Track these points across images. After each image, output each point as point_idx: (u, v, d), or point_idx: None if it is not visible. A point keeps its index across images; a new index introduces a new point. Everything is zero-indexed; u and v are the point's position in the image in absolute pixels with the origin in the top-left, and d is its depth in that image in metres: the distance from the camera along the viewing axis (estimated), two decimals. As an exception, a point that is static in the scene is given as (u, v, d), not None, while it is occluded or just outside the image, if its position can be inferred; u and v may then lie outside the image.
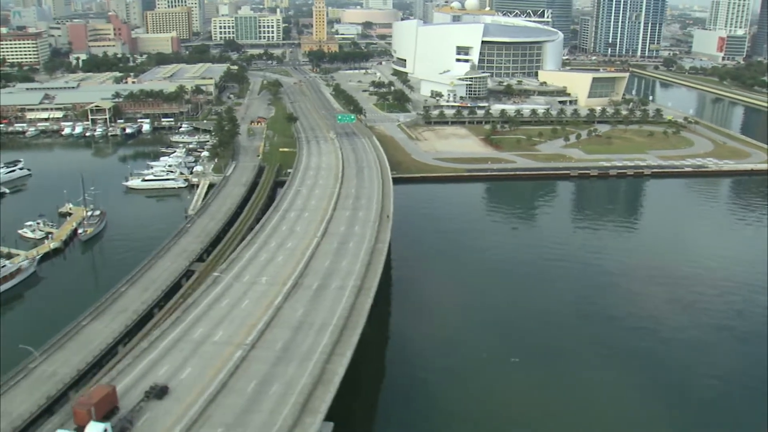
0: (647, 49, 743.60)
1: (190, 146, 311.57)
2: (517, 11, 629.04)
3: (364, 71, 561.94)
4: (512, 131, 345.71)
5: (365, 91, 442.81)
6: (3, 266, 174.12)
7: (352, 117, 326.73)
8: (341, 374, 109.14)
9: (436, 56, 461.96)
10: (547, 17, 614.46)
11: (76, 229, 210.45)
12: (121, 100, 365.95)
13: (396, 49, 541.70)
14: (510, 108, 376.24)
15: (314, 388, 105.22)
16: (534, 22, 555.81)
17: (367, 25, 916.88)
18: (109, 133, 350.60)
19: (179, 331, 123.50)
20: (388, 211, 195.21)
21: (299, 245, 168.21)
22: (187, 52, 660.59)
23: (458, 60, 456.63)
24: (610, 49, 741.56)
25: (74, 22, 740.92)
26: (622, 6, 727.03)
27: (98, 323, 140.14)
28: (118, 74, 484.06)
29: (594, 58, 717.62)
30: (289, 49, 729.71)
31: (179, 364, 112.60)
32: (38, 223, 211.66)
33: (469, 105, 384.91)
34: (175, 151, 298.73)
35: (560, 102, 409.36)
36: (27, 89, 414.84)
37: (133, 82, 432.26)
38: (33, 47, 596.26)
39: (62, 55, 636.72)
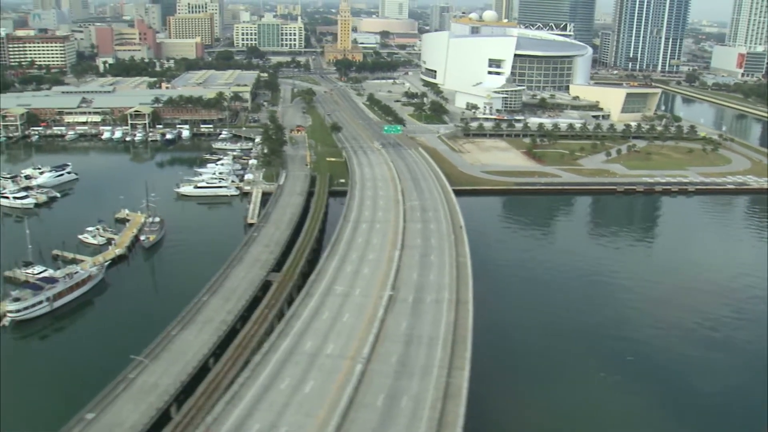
0: (668, 64, 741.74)
1: (234, 154, 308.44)
2: (539, 24, 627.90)
3: (392, 81, 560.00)
4: (551, 145, 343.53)
5: (398, 101, 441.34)
6: (75, 272, 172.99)
7: (399, 128, 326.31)
8: (466, 388, 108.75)
9: (467, 68, 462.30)
10: (570, 31, 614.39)
11: (137, 236, 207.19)
12: (160, 105, 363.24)
13: (425, 59, 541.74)
14: (547, 122, 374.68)
15: (444, 403, 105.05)
16: (558, 35, 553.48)
17: (384, 34, 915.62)
18: (149, 139, 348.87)
19: (289, 344, 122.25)
20: (460, 222, 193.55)
21: (381, 257, 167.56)
22: (211, 59, 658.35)
23: (490, 72, 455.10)
24: (630, 64, 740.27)
25: (100, 26, 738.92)
26: (643, 21, 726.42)
27: (187, 333, 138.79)
28: (150, 79, 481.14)
29: (615, 72, 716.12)
30: (312, 57, 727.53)
31: (299, 377, 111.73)
32: (98, 229, 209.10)
33: (506, 118, 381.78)
34: (221, 159, 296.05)
35: (593, 117, 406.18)
36: (63, 92, 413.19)
37: (167, 88, 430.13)
38: (60, 50, 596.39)
39: (87, 59, 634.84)
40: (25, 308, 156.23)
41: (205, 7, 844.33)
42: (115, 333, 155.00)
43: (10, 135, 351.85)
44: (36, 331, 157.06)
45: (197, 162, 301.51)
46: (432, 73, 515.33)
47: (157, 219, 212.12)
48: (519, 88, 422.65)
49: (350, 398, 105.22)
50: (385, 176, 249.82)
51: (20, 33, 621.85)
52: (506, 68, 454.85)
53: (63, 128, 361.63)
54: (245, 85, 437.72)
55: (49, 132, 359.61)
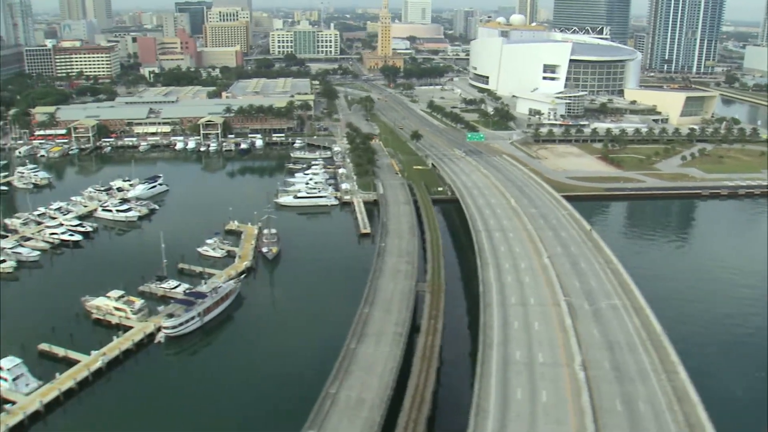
0: (702, 65, 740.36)
1: (316, 163, 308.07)
2: (575, 28, 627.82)
3: (440, 87, 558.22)
4: (622, 150, 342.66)
5: (454, 107, 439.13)
6: (219, 287, 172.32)
7: (482, 135, 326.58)
8: (694, 390, 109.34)
9: (521, 73, 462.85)
10: (606, 34, 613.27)
11: (256, 248, 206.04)
12: (232, 115, 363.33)
13: (476, 65, 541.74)
14: (612, 127, 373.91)
15: (680, 405, 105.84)
16: (596, 38, 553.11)
17: (411, 39, 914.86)
18: (224, 149, 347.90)
19: (498, 354, 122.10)
20: (588, 226, 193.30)
21: (533, 266, 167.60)
22: (250, 67, 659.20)
23: (545, 78, 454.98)
24: (665, 66, 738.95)
25: (140, 36, 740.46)
26: (678, 23, 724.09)
27: (365, 347, 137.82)
28: (205, 89, 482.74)
29: (651, 74, 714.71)
30: (349, 63, 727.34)
31: (529, 386, 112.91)
32: (215, 241, 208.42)
33: (571, 123, 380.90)
34: (306, 168, 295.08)
35: (653, 120, 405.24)
36: (127, 103, 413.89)
37: (227, 97, 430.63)
38: (106, 60, 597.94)
39: (128, 68, 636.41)
40: (181, 324, 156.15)
41: (236, 15, 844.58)
42: (263, 347, 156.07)
43: (83, 146, 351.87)
44: (188, 347, 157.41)
45: (284, 172, 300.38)
46: (483, 78, 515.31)
47: (274, 230, 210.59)
48: (581, 93, 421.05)
49: (591, 404, 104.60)
50: (485, 184, 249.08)
51: (66, 44, 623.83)
52: (561, 74, 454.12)
53: (134, 139, 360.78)
54: (309, 94, 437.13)
55: (120, 143, 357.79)
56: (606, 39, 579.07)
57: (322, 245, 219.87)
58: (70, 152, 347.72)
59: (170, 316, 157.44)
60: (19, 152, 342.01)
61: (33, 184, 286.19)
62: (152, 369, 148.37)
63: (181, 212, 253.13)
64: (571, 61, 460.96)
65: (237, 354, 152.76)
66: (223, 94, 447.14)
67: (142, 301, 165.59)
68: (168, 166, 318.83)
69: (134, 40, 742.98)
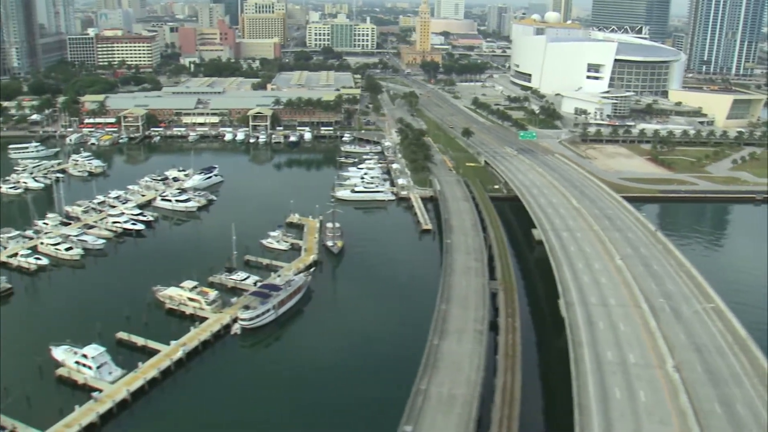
0: (742, 67, 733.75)
1: (367, 157, 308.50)
2: (614, 27, 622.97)
3: (480, 84, 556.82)
4: (670, 152, 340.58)
5: (498, 105, 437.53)
6: (292, 280, 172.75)
7: (533, 134, 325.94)
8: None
9: (564, 72, 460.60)
10: (645, 33, 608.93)
11: (320, 242, 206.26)
12: (280, 107, 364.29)
13: (518, 62, 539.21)
14: (658, 128, 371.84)
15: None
16: (635, 38, 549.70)
17: (445, 34, 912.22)
18: (273, 141, 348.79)
19: (590, 354, 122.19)
20: (652, 227, 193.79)
21: (606, 267, 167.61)
22: (288, 59, 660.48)
23: (588, 77, 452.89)
24: (704, 67, 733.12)
25: (181, 26, 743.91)
26: (719, 24, 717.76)
27: (448, 343, 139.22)
28: (247, 80, 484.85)
29: (689, 75, 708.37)
30: (386, 57, 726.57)
31: (625, 386, 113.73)
32: (279, 234, 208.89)
33: (617, 123, 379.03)
34: (362, 162, 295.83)
35: (699, 122, 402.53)
36: (174, 93, 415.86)
37: (272, 89, 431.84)
38: (147, 50, 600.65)
39: (167, 58, 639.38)
40: (257, 316, 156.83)
41: (272, 8, 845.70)
42: (337, 340, 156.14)
43: (132, 135, 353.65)
44: (263, 339, 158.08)
45: (336, 165, 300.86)
46: (525, 76, 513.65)
47: (338, 225, 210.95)
48: (628, 94, 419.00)
49: (691, 406, 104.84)
50: (543, 183, 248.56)
51: (108, 33, 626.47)
52: (605, 73, 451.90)
53: (182, 129, 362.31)
54: (355, 88, 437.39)
55: (168, 133, 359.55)
56: (645, 39, 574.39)
57: (383, 240, 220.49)
58: (120, 141, 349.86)
59: (246, 308, 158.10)
60: (70, 140, 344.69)
61: (88, 172, 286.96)
62: (230, 360, 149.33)
63: (237, 204, 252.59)
64: (615, 60, 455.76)
65: (311, 347, 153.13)
66: (268, 86, 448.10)
67: (216, 292, 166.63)
68: (217, 157, 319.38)
69: (172, 30, 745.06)
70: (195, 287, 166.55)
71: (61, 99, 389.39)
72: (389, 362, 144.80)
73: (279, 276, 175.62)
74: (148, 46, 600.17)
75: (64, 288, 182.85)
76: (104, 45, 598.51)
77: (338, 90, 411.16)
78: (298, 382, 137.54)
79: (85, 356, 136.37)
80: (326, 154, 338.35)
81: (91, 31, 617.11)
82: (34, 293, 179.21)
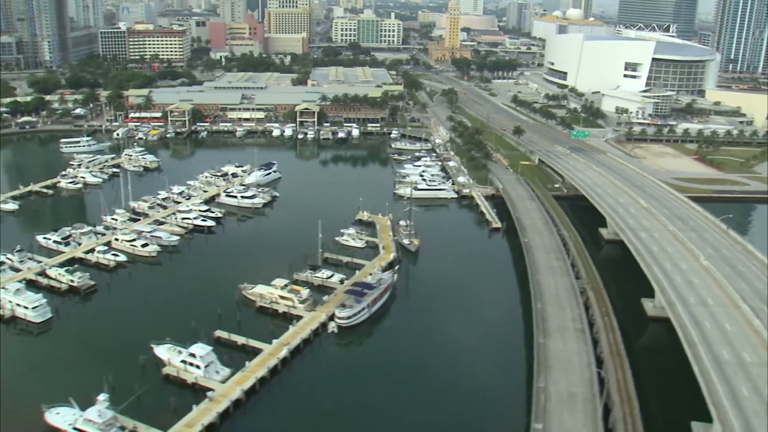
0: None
1: (418, 154, 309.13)
2: (641, 25, 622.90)
3: (513, 81, 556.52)
4: (715, 151, 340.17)
5: (536, 103, 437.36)
6: (382, 278, 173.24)
7: (586, 133, 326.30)
8: None
9: (601, 71, 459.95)
10: (672, 32, 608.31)
11: (396, 239, 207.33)
12: (328, 103, 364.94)
13: (553, 60, 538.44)
14: (701, 128, 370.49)
15: None
16: (664, 36, 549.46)
17: (466, 30, 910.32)
18: (321, 137, 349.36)
19: (706, 353, 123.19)
20: (724, 227, 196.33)
21: (693, 267, 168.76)
22: (316, 55, 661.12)
23: (626, 76, 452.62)
24: (731, 65, 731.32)
25: (213, 21, 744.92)
26: (746, 22, 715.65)
27: (553, 341, 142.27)
28: (285, 75, 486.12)
29: (717, 74, 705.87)
30: (412, 53, 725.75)
31: (751, 384, 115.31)
32: (354, 232, 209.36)
33: (659, 123, 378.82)
34: (416, 159, 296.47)
35: (739, 122, 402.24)
36: (216, 88, 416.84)
37: (312, 84, 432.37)
38: (179, 44, 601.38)
39: (196, 52, 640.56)
40: (354, 315, 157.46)
41: (296, 2, 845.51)
42: (430, 338, 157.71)
43: (179, 130, 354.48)
44: (358, 338, 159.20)
45: (390, 163, 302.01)
46: (560, 74, 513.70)
47: (411, 223, 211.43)
48: (669, 93, 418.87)
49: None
50: (605, 182, 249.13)
51: (140, 27, 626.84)
52: (643, 72, 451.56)
53: (229, 124, 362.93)
54: (399, 84, 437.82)
55: (215, 128, 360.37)
56: (673, 37, 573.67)
57: (454, 238, 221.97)
58: (167, 136, 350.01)
59: (342, 306, 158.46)
60: (117, 134, 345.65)
61: (143, 167, 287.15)
62: (329, 358, 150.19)
63: (299, 200, 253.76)
64: (653, 59, 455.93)
65: (405, 344, 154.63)
66: (308, 81, 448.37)
67: (308, 290, 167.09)
68: (266, 152, 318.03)
69: (197, 24, 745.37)
70: (286, 285, 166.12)
71: (104, 93, 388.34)
72: (485, 359, 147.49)
73: (371, 274, 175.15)
74: (179, 41, 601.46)
75: (146, 285, 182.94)
76: (136, 39, 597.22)
77: (380, 86, 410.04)
78: (400, 378, 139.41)
79: (192, 355, 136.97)
80: (374, 150, 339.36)
81: (122, 25, 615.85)
82: (118, 290, 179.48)
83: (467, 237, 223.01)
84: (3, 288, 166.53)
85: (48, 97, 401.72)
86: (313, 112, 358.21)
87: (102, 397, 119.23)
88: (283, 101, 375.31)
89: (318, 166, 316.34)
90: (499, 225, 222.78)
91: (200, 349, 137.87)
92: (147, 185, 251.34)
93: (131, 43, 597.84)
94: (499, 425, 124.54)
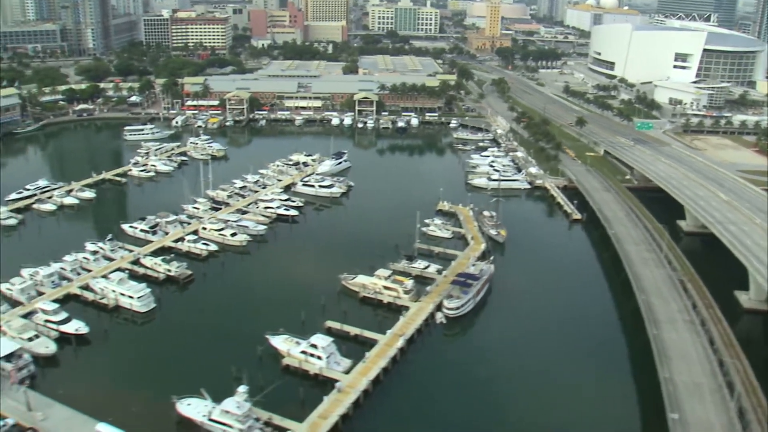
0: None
1: (482, 144, 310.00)
2: (681, 14, 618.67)
3: (558, 71, 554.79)
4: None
5: (588, 93, 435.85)
6: (483, 269, 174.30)
7: (650, 124, 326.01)
8: None
9: (650, 61, 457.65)
10: (713, 21, 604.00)
11: (482, 231, 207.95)
12: (387, 92, 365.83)
13: (600, 50, 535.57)
14: (757, 119, 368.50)
15: None
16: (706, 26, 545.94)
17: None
18: (381, 126, 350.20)
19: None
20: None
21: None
22: (356, 43, 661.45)
23: (675, 67, 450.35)
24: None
25: (253, 8, 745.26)
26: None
27: (666, 333, 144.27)
28: (333, 63, 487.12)
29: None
30: (449, 42, 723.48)
31: None
32: (441, 222, 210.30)
33: (714, 114, 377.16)
34: (481, 149, 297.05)
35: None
36: (269, 76, 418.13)
37: (364, 73, 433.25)
38: (222, 32, 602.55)
39: (235, 40, 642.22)
40: (462, 305, 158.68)
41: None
42: (534, 328, 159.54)
43: (237, 118, 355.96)
44: (464, 328, 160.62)
45: (456, 152, 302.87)
46: (606, 64, 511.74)
47: (494, 213, 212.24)
48: (724, 84, 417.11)
49: None
50: (677, 174, 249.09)
51: (182, 15, 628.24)
52: (693, 63, 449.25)
53: (286, 113, 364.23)
54: (453, 74, 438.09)
55: (273, 116, 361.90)
56: (714, 26, 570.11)
57: (535, 229, 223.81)
58: (226, 124, 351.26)
59: (450, 297, 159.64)
60: (176, 122, 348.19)
61: (210, 155, 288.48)
62: (442, 348, 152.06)
63: (374, 190, 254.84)
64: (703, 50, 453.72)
65: (510, 335, 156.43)
66: (360, 70, 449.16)
67: (411, 281, 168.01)
68: (326, 141, 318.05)
69: (234, 11, 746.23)
70: (389, 276, 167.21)
71: (159, 81, 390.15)
72: (590, 349, 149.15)
73: (473, 265, 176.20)
74: (222, 28, 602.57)
75: (240, 274, 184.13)
76: (179, 26, 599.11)
77: (432, 75, 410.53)
78: (512, 370, 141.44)
79: (314, 346, 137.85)
80: (435, 140, 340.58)
81: (165, 12, 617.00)
82: (214, 279, 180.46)
83: (548, 228, 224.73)
84: (106, 278, 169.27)
85: (102, 85, 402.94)
86: (372, 101, 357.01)
87: (242, 388, 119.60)
88: (340, 90, 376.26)
89: (381, 156, 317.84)
90: (579, 216, 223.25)
91: (321, 340, 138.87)
92: (216, 174, 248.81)
93: (174, 30, 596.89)
94: (630, 416, 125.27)
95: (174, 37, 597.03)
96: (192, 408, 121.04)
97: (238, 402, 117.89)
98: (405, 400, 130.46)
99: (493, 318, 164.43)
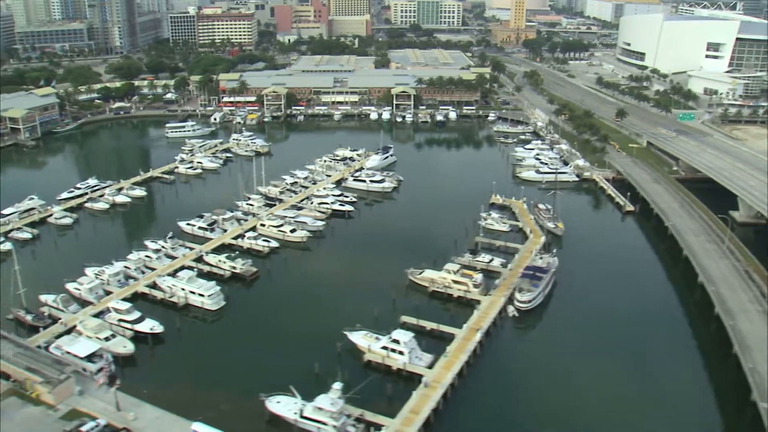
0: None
1: (524, 138, 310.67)
2: (706, 3, 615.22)
3: (587, 62, 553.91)
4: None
5: (622, 85, 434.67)
6: (548, 262, 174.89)
7: (692, 115, 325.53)
8: None
9: (682, 51, 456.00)
10: (739, 10, 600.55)
11: (539, 224, 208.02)
12: (424, 86, 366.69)
13: (629, 41, 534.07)
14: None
15: None
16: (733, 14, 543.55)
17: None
18: (419, 120, 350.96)
19: None
20: None
21: None
22: (381, 38, 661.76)
23: (707, 56, 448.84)
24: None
25: (277, 4, 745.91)
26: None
27: (740, 323, 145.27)
28: (361, 58, 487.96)
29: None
30: (472, 35, 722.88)
31: None
32: (499, 216, 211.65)
33: (751, 104, 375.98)
34: (526, 142, 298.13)
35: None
36: (303, 71, 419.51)
37: (397, 67, 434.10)
38: (248, 27, 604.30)
39: (263, 35, 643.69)
40: (533, 299, 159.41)
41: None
42: (601, 319, 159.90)
43: (275, 114, 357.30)
44: (534, 321, 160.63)
45: (498, 145, 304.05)
46: (636, 54, 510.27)
47: (549, 206, 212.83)
48: (760, 73, 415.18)
49: None
50: (724, 165, 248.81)
51: (208, 12, 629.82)
52: (726, 52, 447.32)
53: (323, 108, 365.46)
54: (487, 66, 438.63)
55: (310, 111, 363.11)
56: (740, 14, 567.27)
57: (589, 221, 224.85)
58: (264, 120, 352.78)
59: (521, 290, 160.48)
60: (214, 118, 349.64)
61: (254, 151, 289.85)
62: (517, 340, 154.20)
63: (421, 184, 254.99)
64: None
65: (583, 328, 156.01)
66: (392, 64, 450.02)
67: (480, 275, 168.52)
68: (365, 136, 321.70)
69: (257, 7, 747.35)
70: (458, 270, 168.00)
71: (195, 78, 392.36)
72: (663, 340, 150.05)
73: (540, 258, 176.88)
74: (248, 24, 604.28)
75: (304, 270, 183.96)
76: (205, 23, 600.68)
77: (464, 68, 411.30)
78: (592, 358, 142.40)
79: (396, 341, 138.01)
80: (474, 133, 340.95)
81: (191, 9, 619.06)
82: (279, 276, 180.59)
83: (601, 220, 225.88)
84: (174, 276, 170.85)
85: (136, 83, 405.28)
86: (410, 95, 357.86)
87: (337, 385, 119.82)
88: (377, 84, 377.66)
89: (422, 149, 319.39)
90: (632, 208, 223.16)
91: (403, 335, 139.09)
92: (262, 169, 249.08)
93: (200, 27, 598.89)
94: (714, 406, 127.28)
95: (200, 34, 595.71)
96: (282, 406, 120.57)
97: (332, 399, 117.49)
98: (491, 393, 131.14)
99: (562, 310, 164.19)
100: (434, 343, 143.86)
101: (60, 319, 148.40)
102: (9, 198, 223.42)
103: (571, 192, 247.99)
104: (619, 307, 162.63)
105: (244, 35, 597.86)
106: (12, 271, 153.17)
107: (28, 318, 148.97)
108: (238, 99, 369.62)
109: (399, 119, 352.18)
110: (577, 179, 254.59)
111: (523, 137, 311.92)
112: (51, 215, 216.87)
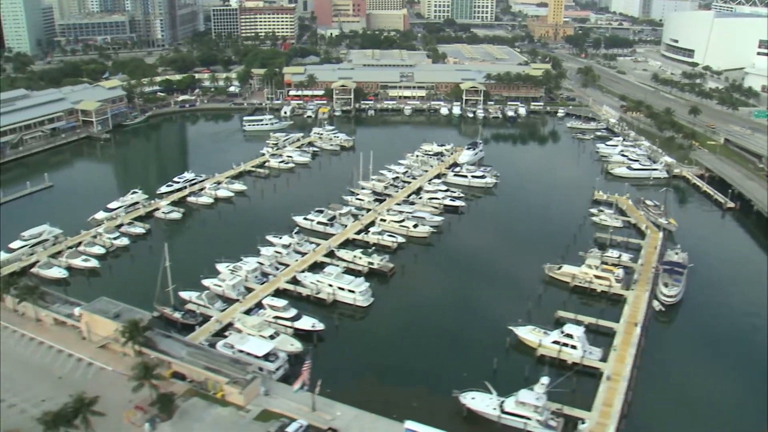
0: None
1: (599, 134, 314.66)
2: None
3: (632, 59, 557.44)
4: None
5: (680, 82, 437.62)
6: (684, 257, 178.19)
7: (766, 113, 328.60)
8: None
9: (733, 48, 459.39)
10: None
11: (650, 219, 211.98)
12: (493, 81, 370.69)
13: (677, 37, 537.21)
14: None
15: None
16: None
17: (542, 5, 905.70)
18: (491, 116, 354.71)
19: None
20: None
21: None
22: (420, 33, 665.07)
23: (759, 54, 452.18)
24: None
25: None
26: None
27: None
28: (416, 52, 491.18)
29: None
30: (506, 30, 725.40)
31: None
32: (612, 212, 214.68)
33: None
34: (605, 139, 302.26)
35: None
36: (365, 65, 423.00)
37: (453, 62, 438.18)
38: (289, 21, 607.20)
39: (302, 29, 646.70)
40: (678, 293, 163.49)
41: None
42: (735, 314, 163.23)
43: (344, 108, 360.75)
44: (678, 314, 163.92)
45: (573, 141, 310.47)
46: (683, 51, 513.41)
47: (658, 202, 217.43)
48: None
49: None
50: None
51: (250, 4, 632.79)
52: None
53: (392, 102, 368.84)
54: (547, 63, 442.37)
55: (379, 106, 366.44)
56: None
57: (692, 218, 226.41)
58: (334, 114, 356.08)
59: (666, 284, 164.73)
60: (284, 112, 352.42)
61: (339, 146, 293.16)
62: (672, 334, 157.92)
63: (515, 180, 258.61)
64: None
65: (725, 321, 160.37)
66: (450, 59, 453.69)
67: (621, 269, 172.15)
68: (435, 131, 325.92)
69: (289, 0, 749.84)
70: (599, 266, 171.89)
71: (259, 71, 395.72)
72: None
73: (676, 253, 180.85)
74: (289, 17, 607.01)
75: (437, 266, 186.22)
76: (247, 16, 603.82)
77: (523, 64, 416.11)
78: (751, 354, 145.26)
79: (569, 336, 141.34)
80: (542, 129, 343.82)
81: (233, 2, 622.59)
82: (413, 272, 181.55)
83: (703, 216, 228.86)
84: (315, 272, 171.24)
85: (197, 76, 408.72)
86: (479, 91, 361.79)
87: (545, 380, 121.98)
88: (444, 79, 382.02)
89: (501, 145, 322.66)
90: (733, 204, 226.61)
91: (575, 329, 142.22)
92: (347, 164, 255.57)
93: (243, 20, 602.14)
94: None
95: (242, 27, 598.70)
96: (478, 401, 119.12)
97: (537, 393, 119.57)
98: (672, 385, 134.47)
99: (699, 305, 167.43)
100: (592, 338, 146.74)
101: (210, 317, 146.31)
102: (102, 192, 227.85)
103: (659, 188, 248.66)
104: (751, 302, 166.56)
105: (286, 28, 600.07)
106: (162, 267, 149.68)
107: (177, 315, 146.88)
108: (305, 93, 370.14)
109: (470, 114, 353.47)
110: (667, 176, 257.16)
111: (598, 134, 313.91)
112: (157, 209, 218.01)
